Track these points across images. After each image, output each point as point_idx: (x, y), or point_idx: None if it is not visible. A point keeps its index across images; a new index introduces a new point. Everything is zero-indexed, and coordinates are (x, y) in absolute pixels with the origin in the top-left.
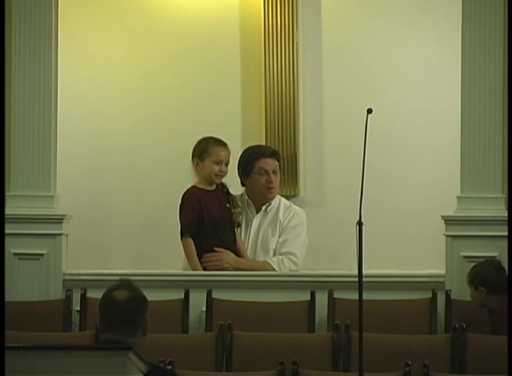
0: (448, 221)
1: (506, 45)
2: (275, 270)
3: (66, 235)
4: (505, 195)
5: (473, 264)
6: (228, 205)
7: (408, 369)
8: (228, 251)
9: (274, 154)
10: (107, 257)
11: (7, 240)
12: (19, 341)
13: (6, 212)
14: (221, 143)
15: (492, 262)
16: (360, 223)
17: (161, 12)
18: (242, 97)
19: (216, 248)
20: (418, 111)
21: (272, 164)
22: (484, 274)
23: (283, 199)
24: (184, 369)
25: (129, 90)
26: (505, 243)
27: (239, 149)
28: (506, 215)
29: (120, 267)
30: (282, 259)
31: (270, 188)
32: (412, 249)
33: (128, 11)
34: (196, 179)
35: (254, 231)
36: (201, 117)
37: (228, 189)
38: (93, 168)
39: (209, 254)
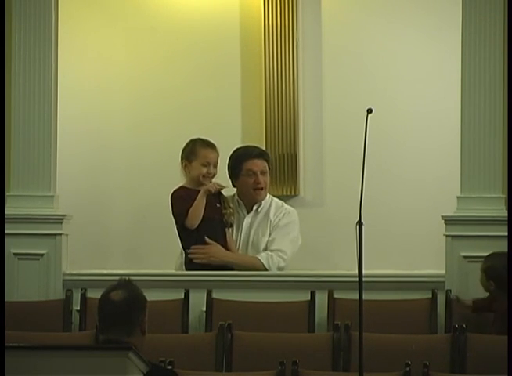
0: (448, 221)
1: (506, 45)
2: (263, 265)
3: (66, 235)
4: (505, 195)
5: (473, 264)
6: (218, 205)
7: (408, 369)
8: (218, 245)
9: (262, 155)
10: (107, 257)
11: (7, 240)
12: (19, 341)
13: (6, 212)
14: (208, 145)
15: (505, 257)
16: (360, 223)
17: (161, 12)
18: (242, 97)
19: (207, 239)
20: (418, 111)
21: (260, 164)
22: (498, 271)
23: (275, 199)
24: (184, 369)
25: (129, 90)
26: (505, 243)
27: None
28: (506, 215)
29: (120, 267)
30: (271, 255)
31: (258, 189)
32: (412, 249)
33: (128, 11)
34: (185, 181)
35: (244, 231)
36: (201, 116)
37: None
38: (93, 168)
39: (197, 246)
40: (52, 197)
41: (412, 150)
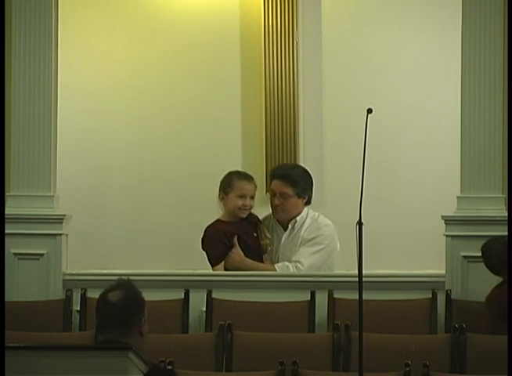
0: (448, 221)
1: (506, 45)
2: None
3: (66, 235)
4: (505, 195)
5: (473, 264)
6: (255, 235)
7: (408, 369)
8: (241, 252)
9: (279, 176)
10: (107, 257)
11: (7, 240)
12: (19, 341)
13: (6, 212)
14: (245, 177)
15: (489, 245)
16: (360, 223)
17: (162, 12)
18: (242, 97)
19: (235, 242)
20: (418, 111)
21: (277, 185)
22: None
23: (311, 213)
24: (184, 369)
25: (129, 89)
26: None
27: (239, 148)
28: (506, 215)
29: (120, 267)
30: (287, 265)
31: (276, 209)
32: (413, 249)
33: (128, 10)
34: (222, 213)
35: (281, 249)
36: (201, 116)
37: (257, 219)
38: (93, 168)
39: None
40: (52, 197)
41: (412, 150)
